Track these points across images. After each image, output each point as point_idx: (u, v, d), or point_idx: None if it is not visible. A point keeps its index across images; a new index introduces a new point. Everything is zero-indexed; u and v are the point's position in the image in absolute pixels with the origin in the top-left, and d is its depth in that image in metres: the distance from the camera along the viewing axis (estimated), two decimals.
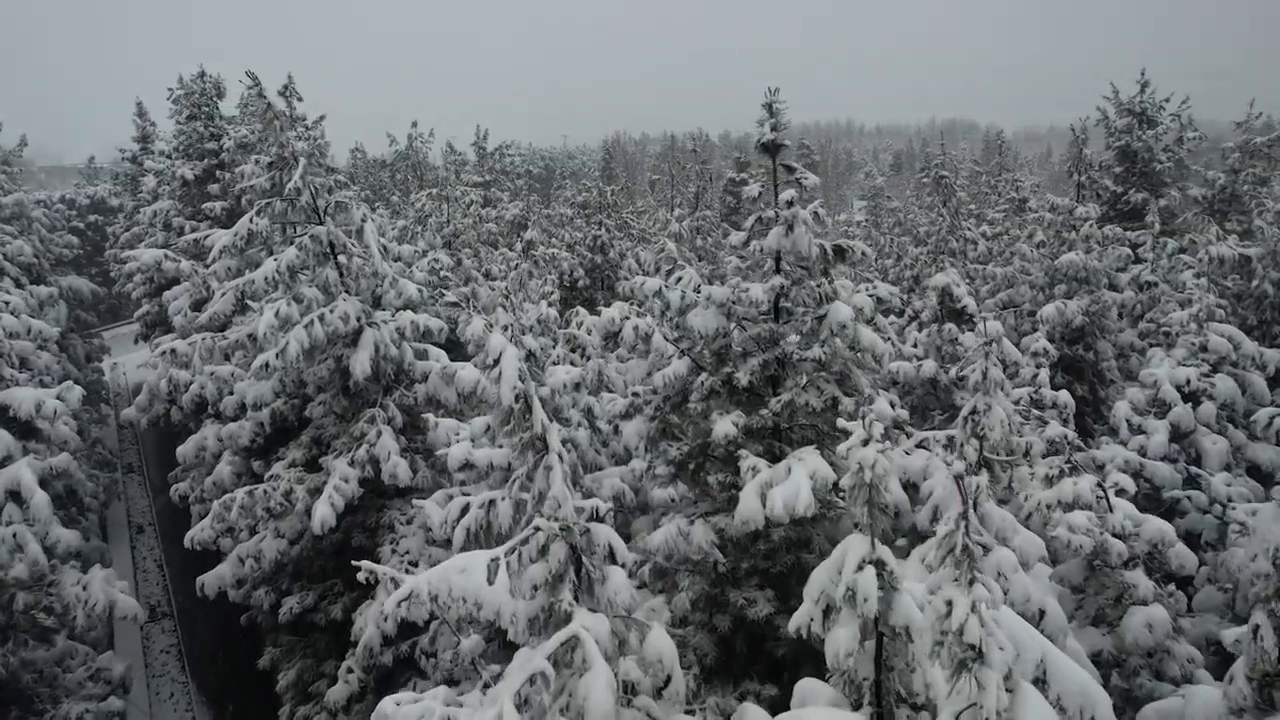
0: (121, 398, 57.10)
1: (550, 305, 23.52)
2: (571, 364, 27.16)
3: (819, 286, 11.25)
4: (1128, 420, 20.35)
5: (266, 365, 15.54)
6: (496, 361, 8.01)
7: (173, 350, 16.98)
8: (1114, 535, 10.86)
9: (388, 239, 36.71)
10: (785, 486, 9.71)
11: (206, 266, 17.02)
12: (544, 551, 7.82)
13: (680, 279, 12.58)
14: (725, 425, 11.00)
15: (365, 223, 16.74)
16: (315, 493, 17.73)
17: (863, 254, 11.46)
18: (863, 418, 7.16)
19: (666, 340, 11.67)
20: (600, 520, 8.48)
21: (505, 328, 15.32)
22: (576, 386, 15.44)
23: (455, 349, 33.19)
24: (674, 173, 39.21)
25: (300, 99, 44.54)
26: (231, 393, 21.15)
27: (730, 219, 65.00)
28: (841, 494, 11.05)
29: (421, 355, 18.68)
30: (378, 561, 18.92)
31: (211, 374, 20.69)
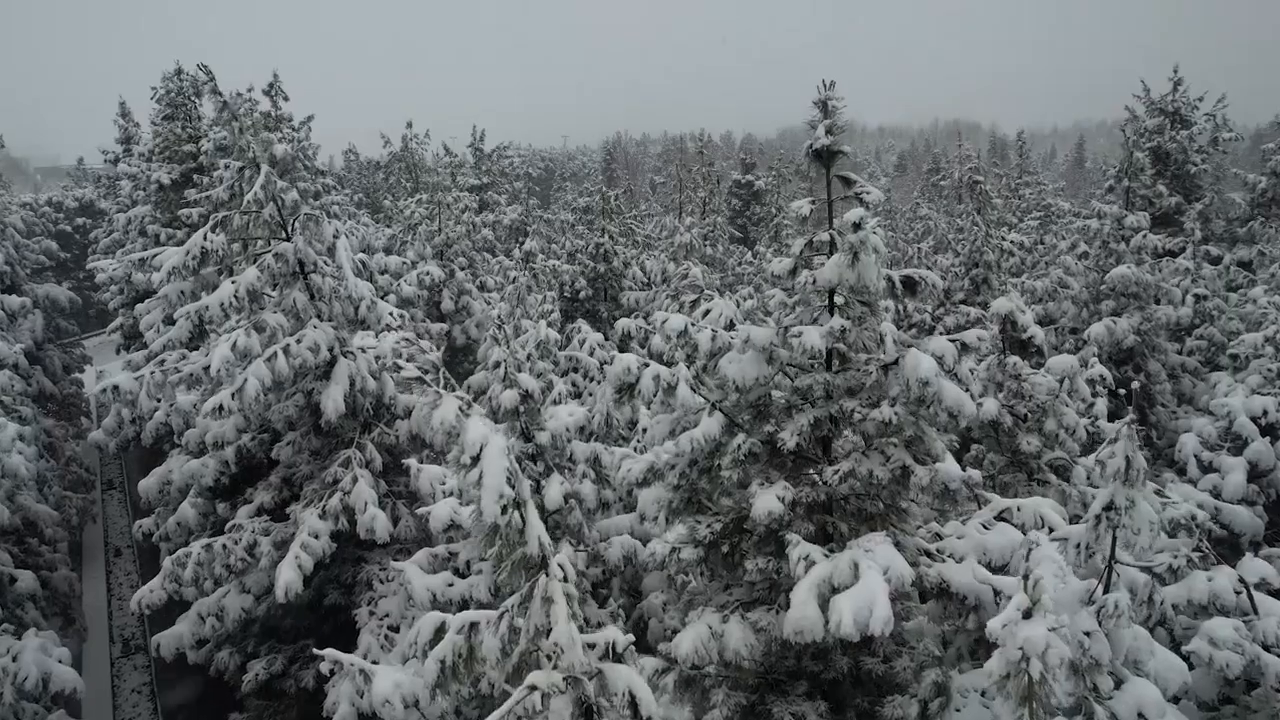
0: (105, 409, 54.93)
1: (550, 325, 21.37)
2: (574, 386, 25.08)
3: (880, 328, 9.08)
4: (1197, 456, 18.18)
5: (220, 408, 13.37)
6: (476, 460, 5.84)
7: (115, 387, 14.79)
8: (1265, 647, 8.71)
9: (376, 247, 34.61)
10: (856, 595, 7.54)
11: (151, 292, 14.81)
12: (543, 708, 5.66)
13: (708, 312, 10.39)
14: (769, 501, 8.81)
15: (338, 239, 14.57)
16: (282, 546, 15.55)
17: (932, 285, 9.30)
18: (1025, 576, 4.99)
19: (695, 391, 9.49)
20: (618, 657, 6.31)
21: (498, 364, 13.20)
22: (581, 430, 13.27)
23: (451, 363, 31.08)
24: (681, 177, 37.05)
25: (286, 98, 42.57)
26: (193, 425, 18.95)
27: (736, 222, 62.84)
28: (914, 588, 8.89)
29: (404, 387, 16.49)
30: (354, 624, 16.76)
31: (172, 405, 18.50)
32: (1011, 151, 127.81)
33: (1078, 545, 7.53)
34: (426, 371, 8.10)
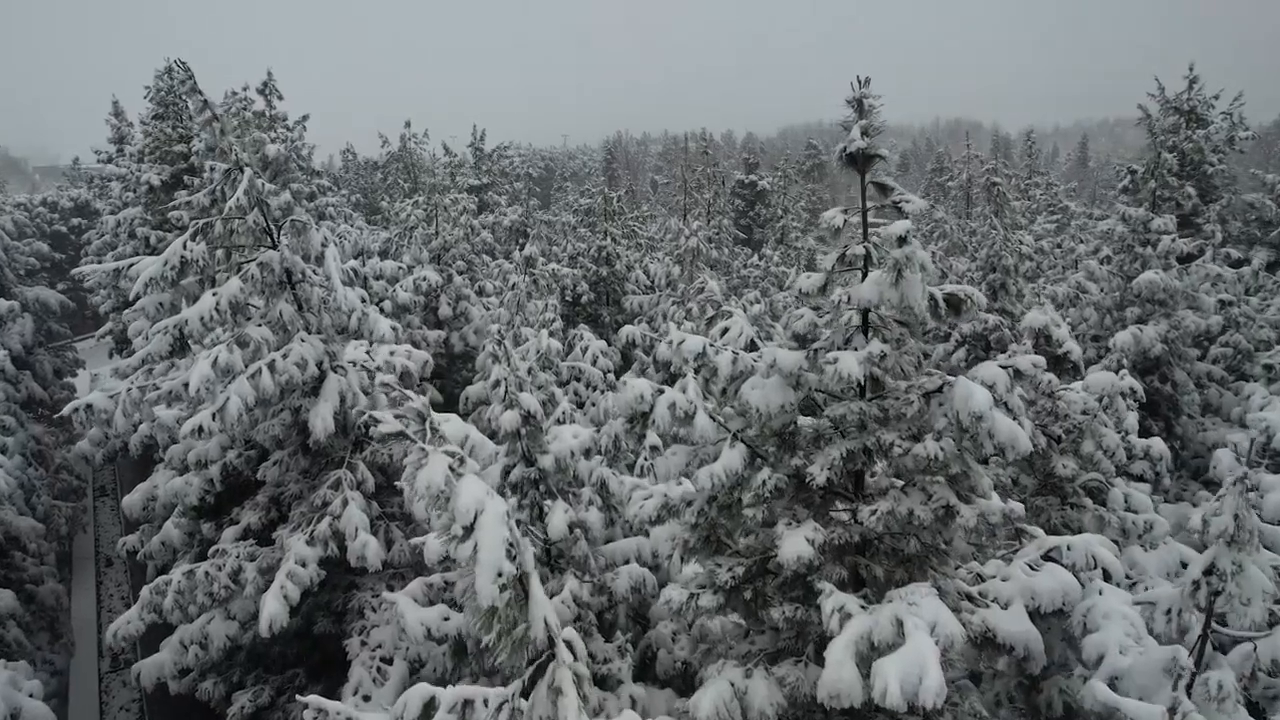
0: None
1: (552, 335, 20.48)
2: (576, 396, 24.17)
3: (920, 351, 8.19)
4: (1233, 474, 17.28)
5: (200, 429, 12.47)
6: (469, 531, 4.94)
7: (89, 407, 13.89)
8: None
9: (372, 250, 33.66)
10: (902, 659, 6.64)
11: (131, 303, 13.92)
12: None
13: (726, 330, 9.49)
14: (797, 544, 7.92)
15: (326, 248, 13.66)
16: (268, 572, 14.67)
17: (977, 303, 8.40)
18: (1171, 711, 4.08)
19: (714, 420, 8.59)
20: None
21: (498, 382, 12.30)
22: (587, 453, 12.36)
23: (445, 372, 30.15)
24: (685, 178, 36.18)
25: (281, 97, 41.64)
26: (178, 440, 18.05)
27: (740, 223, 61.90)
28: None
29: (397, 402, 15.59)
30: (345, 654, 15.86)
31: (154, 420, 17.59)
32: (1015, 151, 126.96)
33: (1167, 611, 6.61)
34: (408, 420, 7.19)
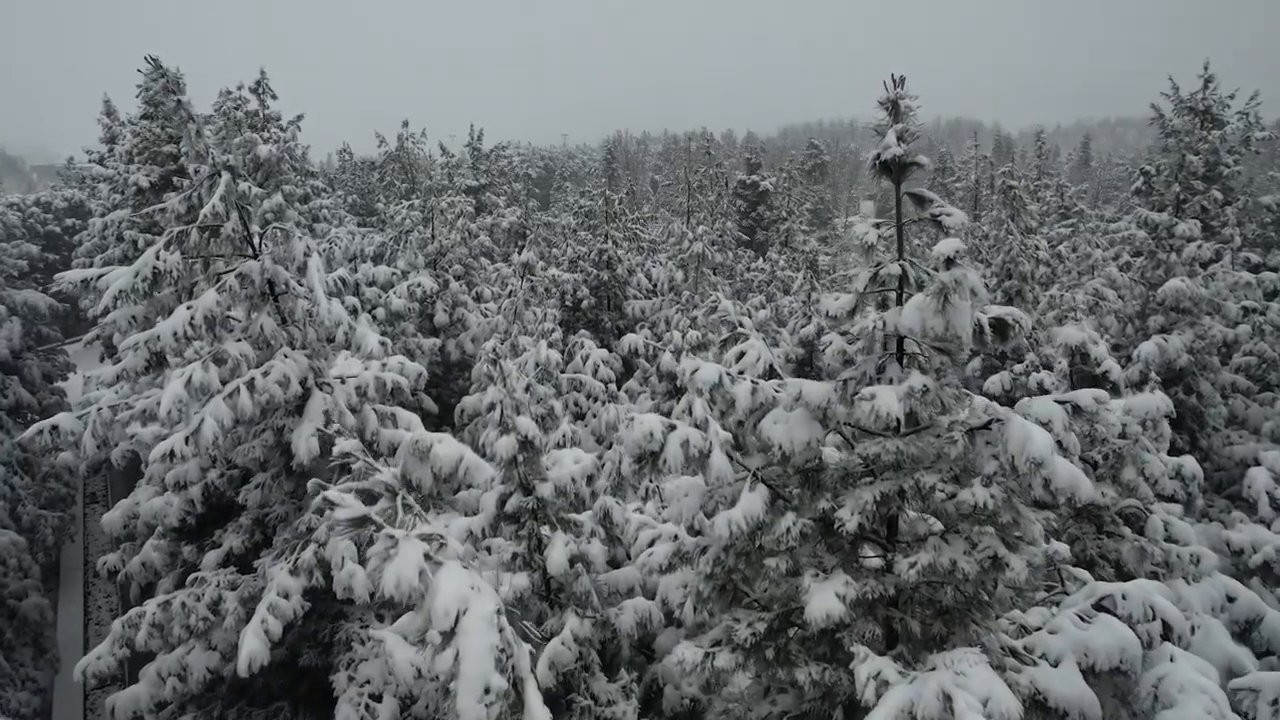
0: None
1: (551, 345, 19.61)
2: (576, 406, 23.28)
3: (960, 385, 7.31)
4: (1270, 494, 16.43)
5: (172, 454, 11.59)
6: (449, 636, 4.06)
7: (54, 428, 13.01)
8: None
9: (366, 254, 32.76)
10: None
11: (103, 315, 13.04)
12: None
13: (743, 354, 8.61)
14: (826, 600, 7.05)
15: (309, 257, 12.79)
16: (250, 602, 13.81)
17: (1024, 328, 7.52)
18: None
19: (732, 458, 7.72)
20: None
21: (494, 405, 11.42)
22: (589, 480, 11.50)
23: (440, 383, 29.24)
24: (689, 180, 35.30)
25: (274, 96, 40.73)
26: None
27: (742, 224, 60.99)
28: None
29: (387, 421, 14.74)
30: (331, 690, 15.00)
31: (132, 437, 16.72)
32: (1017, 150, 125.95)
33: (1274, 701, 5.74)
34: (376, 496, 6.30)
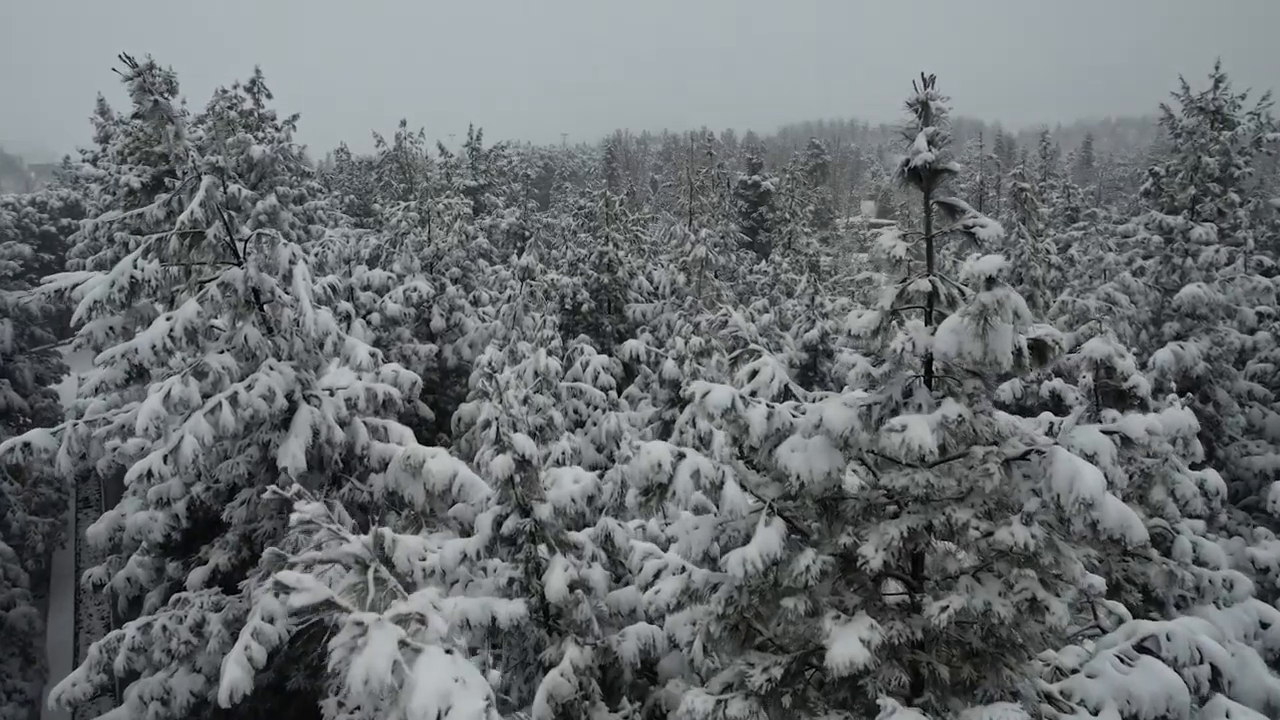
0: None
1: (550, 353, 19.00)
2: (576, 414, 22.66)
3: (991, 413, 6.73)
4: None
5: (149, 474, 10.99)
6: None
7: (26, 445, 12.42)
8: None
9: (362, 256, 32.16)
10: None
11: (78, 328, 12.43)
12: None
13: (755, 373, 8.01)
14: (849, 646, 6.45)
15: (295, 265, 12.18)
16: (235, 624, 13.24)
17: (1063, 349, 6.92)
18: None
19: (745, 487, 7.12)
20: None
21: (489, 422, 10.83)
22: (589, 501, 10.91)
23: (436, 388, 28.64)
24: (690, 181, 34.73)
25: (270, 95, 40.10)
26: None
27: (743, 225, 60.37)
28: None
29: (378, 434, 14.15)
30: (319, 714, 14.43)
31: (115, 449, 16.11)
32: (1018, 151, 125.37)
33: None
34: (347, 567, 5.74)
